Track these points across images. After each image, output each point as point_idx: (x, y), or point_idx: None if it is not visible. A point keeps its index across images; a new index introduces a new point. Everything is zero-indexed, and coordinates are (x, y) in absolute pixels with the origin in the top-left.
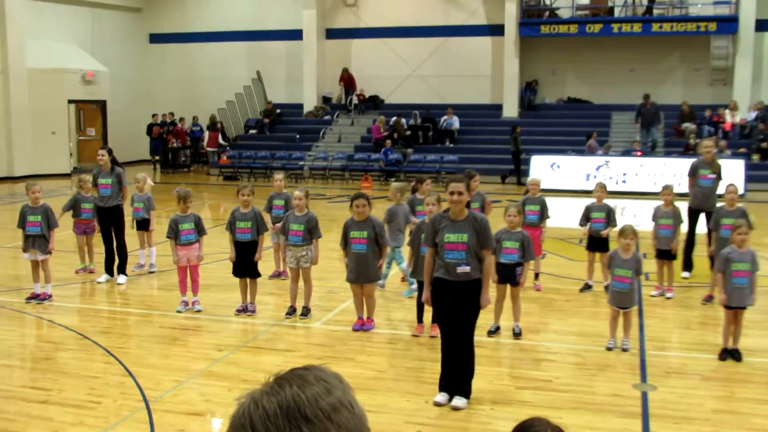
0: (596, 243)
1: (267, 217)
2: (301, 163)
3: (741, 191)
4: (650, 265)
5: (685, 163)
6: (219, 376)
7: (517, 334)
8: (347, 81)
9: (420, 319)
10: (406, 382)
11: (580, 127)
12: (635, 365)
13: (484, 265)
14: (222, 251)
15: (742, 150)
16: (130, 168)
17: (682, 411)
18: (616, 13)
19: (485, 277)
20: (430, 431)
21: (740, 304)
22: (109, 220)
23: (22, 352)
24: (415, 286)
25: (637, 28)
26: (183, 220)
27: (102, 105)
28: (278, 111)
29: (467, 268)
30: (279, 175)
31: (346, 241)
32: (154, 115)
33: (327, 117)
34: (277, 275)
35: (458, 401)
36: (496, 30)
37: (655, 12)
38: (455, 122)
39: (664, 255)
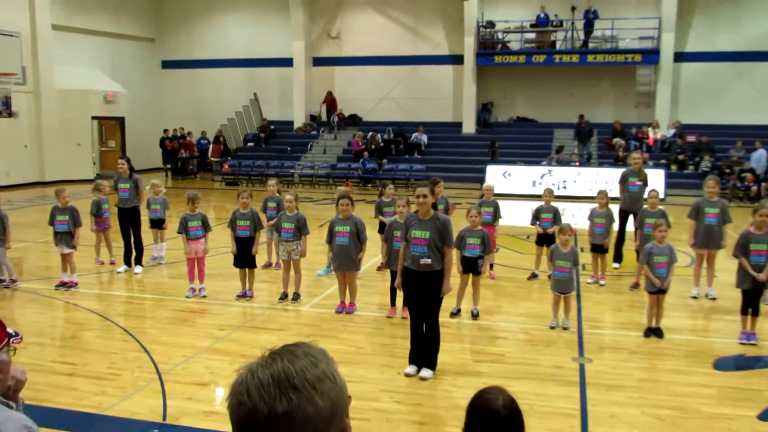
0: (544, 239)
1: (262, 217)
2: (292, 171)
3: (662, 196)
4: (586, 257)
5: (616, 173)
6: (221, 352)
7: (475, 316)
8: (330, 102)
9: (393, 303)
10: (381, 356)
11: (528, 142)
12: (574, 341)
13: (446, 259)
14: (224, 245)
15: (662, 161)
16: (145, 175)
17: (614, 380)
18: (558, 46)
19: (446, 268)
20: (402, 398)
21: (661, 290)
22: (128, 219)
23: (51, 332)
24: (330, 268)
25: (575, 58)
26: (191, 218)
27: (121, 121)
28: (272, 127)
29: (429, 261)
30: (272, 181)
31: (331, 236)
32: (165, 131)
33: (314, 132)
34: (269, 265)
35: (425, 372)
36: (457, 59)
37: (590, 45)
38: (424, 138)
39: (598, 249)
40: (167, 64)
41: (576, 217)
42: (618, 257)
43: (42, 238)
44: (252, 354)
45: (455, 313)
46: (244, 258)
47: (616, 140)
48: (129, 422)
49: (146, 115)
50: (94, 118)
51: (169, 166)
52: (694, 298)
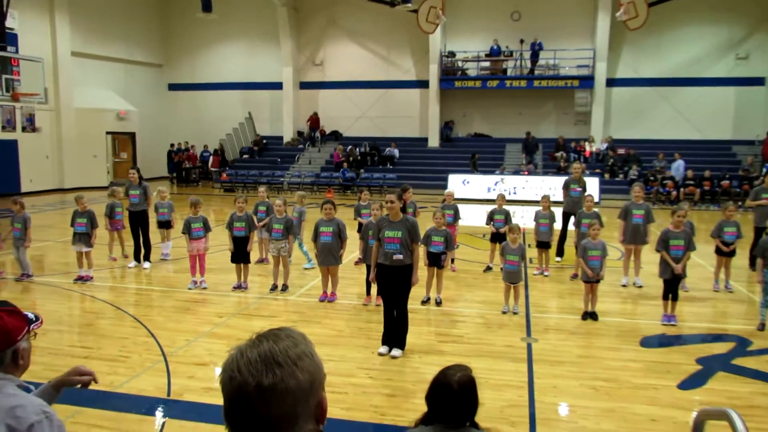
0: (497, 237)
1: (254, 219)
2: (282, 179)
3: (596, 200)
4: (533, 252)
5: (559, 180)
6: (219, 336)
7: (438, 303)
8: (313, 122)
9: (368, 293)
10: (358, 338)
11: (484, 155)
12: (522, 324)
13: (414, 255)
14: (222, 244)
15: (597, 171)
16: (153, 183)
17: (556, 356)
18: (508, 72)
19: (415, 263)
20: (376, 374)
21: (595, 279)
22: (138, 221)
23: (69, 320)
24: (314, 263)
25: (523, 83)
26: (194, 220)
27: (132, 136)
28: (264, 141)
29: (401, 256)
30: (262, 188)
31: (316, 235)
32: (172, 145)
33: (300, 146)
34: (260, 261)
35: (396, 352)
36: (423, 84)
37: (536, 72)
38: (396, 152)
39: (543, 245)
40: (173, 87)
41: (524, 218)
42: (560, 252)
43: (61, 237)
44: (246, 338)
45: (425, 302)
46: (239, 254)
47: (559, 153)
48: (137, 398)
49: (154, 131)
50: (108, 133)
51: (174, 174)
52: (624, 286)
